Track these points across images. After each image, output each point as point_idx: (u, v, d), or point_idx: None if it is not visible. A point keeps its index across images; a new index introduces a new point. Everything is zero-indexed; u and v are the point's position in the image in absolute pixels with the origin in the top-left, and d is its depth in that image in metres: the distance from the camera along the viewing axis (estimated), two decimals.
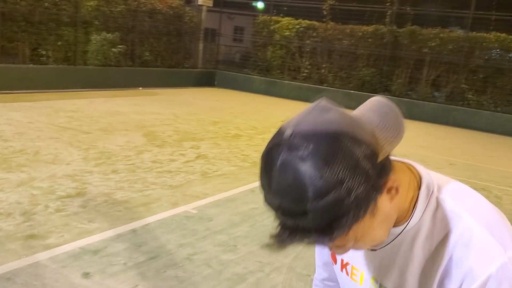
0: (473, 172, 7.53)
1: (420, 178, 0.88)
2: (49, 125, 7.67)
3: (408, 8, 14.65)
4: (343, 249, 0.81)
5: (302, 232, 0.71)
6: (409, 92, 14.74)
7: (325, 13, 15.73)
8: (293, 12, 16.58)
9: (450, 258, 0.82)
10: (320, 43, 16.15)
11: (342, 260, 1.02)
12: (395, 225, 0.86)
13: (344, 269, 1.02)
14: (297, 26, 16.56)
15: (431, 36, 14.15)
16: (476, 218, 0.82)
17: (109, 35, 13.45)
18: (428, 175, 0.89)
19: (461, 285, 0.81)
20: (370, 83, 15.11)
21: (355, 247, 0.82)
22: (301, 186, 0.67)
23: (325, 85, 15.82)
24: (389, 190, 0.79)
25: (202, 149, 7.19)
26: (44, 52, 12.00)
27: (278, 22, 16.93)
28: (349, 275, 1.01)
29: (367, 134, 0.74)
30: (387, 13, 14.70)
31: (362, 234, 0.78)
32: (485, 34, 13.33)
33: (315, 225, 0.69)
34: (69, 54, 12.73)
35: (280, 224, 0.73)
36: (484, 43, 13.40)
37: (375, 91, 14.93)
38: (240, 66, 18.45)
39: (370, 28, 15.10)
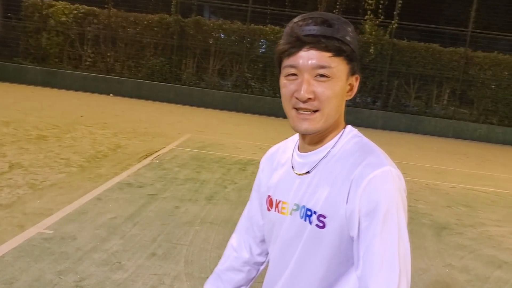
0: None
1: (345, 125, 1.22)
2: None
3: None
4: (311, 86, 1.08)
5: (324, 38, 1.06)
6: (198, 81, 15.31)
7: None
8: None
9: (354, 173, 1.08)
10: (103, 30, 15.33)
11: (276, 201, 1.24)
12: (321, 144, 1.17)
13: (276, 209, 1.23)
14: (75, 12, 15.35)
15: (215, 27, 14.93)
16: (380, 151, 1.12)
17: None
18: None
19: (350, 186, 1.06)
20: (160, 72, 15.12)
21: (319, 95, 1.08)
22: (338, 18, 1.10)
23: (113, 74, 15.16)
24: (350, 86, 1.15)
25: (10, 156, 6.19)
26: None
27: (51, 6, 15.36)
28: (279, 211, 1.21)
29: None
30: (172, 2, 14.85)
31: (333, 87, 1.09)
32: (262, 27, 14.72)
33: (334, 34, 1.07)
34: None
35: (305, 35, 1.06)
36: (261, 35, 14.83)
37: (166, 81, 15.06)
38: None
39: (156, 17, 15.04)
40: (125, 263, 3.55)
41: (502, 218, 5.91)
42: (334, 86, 1.08)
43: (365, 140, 1.16)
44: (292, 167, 1.21)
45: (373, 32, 14.20)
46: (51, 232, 3.95)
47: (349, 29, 1.10)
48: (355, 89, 1.16)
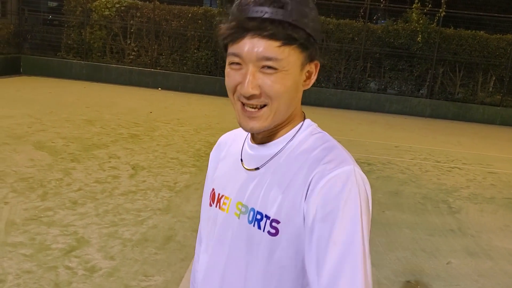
0: None
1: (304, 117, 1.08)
2: None
3: None
4: (256, 79, 0.93)
5: (272, 23, 0.89)
6: None
7: None
8: None
9: (312, 167, 0.93)
10: (146, 23, 15.36)
11: (218, 195, 1.10)
12: (275, 137, 1.02)
13: (218, 204, 1.09)
14: (118, 5, 15.36)
15: None
16: (343, 148, 0.99)
17: None
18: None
19: (308, 186, 0.91)
20: (205, 65, 15.17)
21: (266, 90, 0.93)
22: None
23: (158, 68, 15.23)
24: (308, 74, 1.00)
25: (123, 158, 6.32)
26: None
27: (94, 0, 15.38)
28: (220, 207, 1.08)
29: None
30: None
31: (283, 80, 0.93)
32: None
33: (285, 18, 0.90)
34: None
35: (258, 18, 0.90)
36: None
37: (211, 73, 15.12)
38: (40, 49, 16.06)
39: (200, 10, 15.05)
40: None
41: None
42: (284, 80, 0.93)
43: (327, 135, 1.02)
44: (241, 160, 1.07)
45: (420, 21, 14.20)
46: None
47: (306, 9, 0.93)
48: (314, 77, 1.01)
